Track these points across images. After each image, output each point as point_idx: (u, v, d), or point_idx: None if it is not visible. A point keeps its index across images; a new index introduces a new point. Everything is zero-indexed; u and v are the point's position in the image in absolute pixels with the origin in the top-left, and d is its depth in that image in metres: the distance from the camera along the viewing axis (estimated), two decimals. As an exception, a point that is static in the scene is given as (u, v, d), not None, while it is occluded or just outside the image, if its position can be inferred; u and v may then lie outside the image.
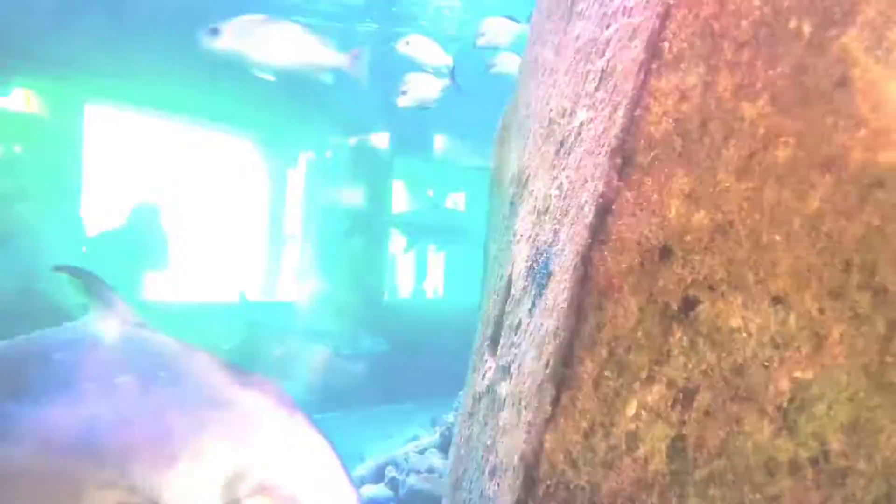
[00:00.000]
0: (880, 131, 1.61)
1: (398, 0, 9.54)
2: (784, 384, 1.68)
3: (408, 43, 6.83)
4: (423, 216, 12.03)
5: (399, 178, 13.23)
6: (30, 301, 7.63)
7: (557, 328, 1.81)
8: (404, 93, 6.77)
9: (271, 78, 5.17)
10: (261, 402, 1.31)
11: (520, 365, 2.14)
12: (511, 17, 6.57)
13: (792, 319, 1.67)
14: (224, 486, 1.21)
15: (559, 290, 1.88)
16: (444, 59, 6.87)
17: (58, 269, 1.65)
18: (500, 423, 2.23)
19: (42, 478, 1.28)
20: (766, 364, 1.69)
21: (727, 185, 1.68)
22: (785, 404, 1.67)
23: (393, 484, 5.49)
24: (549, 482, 1.78)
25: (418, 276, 15.01)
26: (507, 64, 6.73)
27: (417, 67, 6.79)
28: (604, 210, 1.73)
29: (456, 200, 15.23)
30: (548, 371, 1.82)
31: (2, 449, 1.31)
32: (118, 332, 1.45)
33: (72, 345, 1.45)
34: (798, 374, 1.67)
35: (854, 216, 1.64)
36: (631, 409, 1.75)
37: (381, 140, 10.50)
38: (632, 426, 1.74)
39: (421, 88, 6.75)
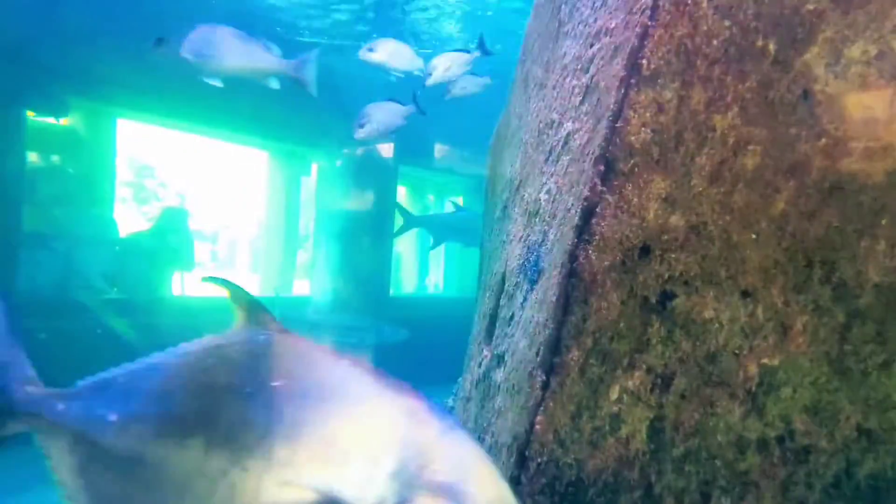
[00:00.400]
0: (839, 140, 1.61)
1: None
2: (753, 370, 1.67)
3: (370, 49, 5.94)
4: (446, 218, 12.10)
5: (402, 184, 13.24)
6: (66, 295, 7.64)
7: (547, 320, 1.81)
8: (362, 126, 6.03)
9: (219, 84, 4.89)
10: (416, 405, 1.25)
11: (513, 353, 2.13)
12: (461, 50, 6.04)
13: (760, 311, 1.67)
14: (395, 485, 1.17)
15: (548, 286, 1.88)
16: (416, 63, 6.04)
17: (205, 280, 1.59)
18: (496, 407, 2.23)
19: (217, 477, 1.24)
20: (737, 352, 1.68)
21: (700, 189, 1.68)
22: (754, 388, 1.67)
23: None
24: (539, 460, 1.78)
25: (420, 273, 15.00)
26: (469, 86, 6.23)
27: (384, 73, 6.03)
28: (588, 212, 1.73)
29: (455, 204, 15.23)
30: (538, 359, 1.82)
31: (178, 449, 1.28)
32: (268, 338, 1.40)
33: (227, 351, 1.40)
34: (765, 360, 1.67)
35: (816, 218, 1.63)
36: (614, 394, 1.74)
37: (386, 149, 10.48)
38: (615, 409, 1.74)
39: (381, 119, 6.00)
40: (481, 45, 5.97)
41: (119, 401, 1.41)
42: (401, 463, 1.18)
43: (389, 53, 5.85)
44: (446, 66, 5.90)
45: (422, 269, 15.05)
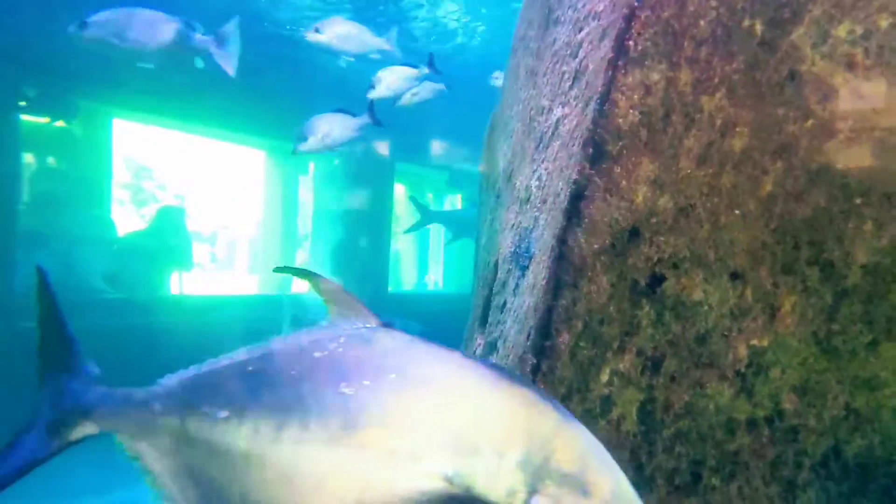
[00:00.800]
0: (826, 121, 1.61)
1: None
2: (742, 351, 1.68)
3: (317, 30, 5.23)
4: (464, 213, 12.14)
5: (400, 182, 13.26)
6: (66, 295, 7.64)
7: (537, 304, 1.81)
8: (304, 139, 5.51)
9: (150, 66, 4.77)
10: (532, 396, 1.22)
11: (505, 340, 2.14)
12: (410, 64, 5.82)
13: (748, 293, 1.68)
14: (523, 475, 1.15)
15: (538, 270, 1.88)
16: (371, 45, 5.46)
17: (280, 270, 1.50)
18: (488, 394, 2.23)
19: (347, 472, 1.21)
20: (726, 333, 1.69)
21: (688, 171, 1.68)
22: (743, 369, 1.68)
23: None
24: (530, 443, 1.78)
25: (420, 271, 15.02)
26: (422, 93, 6.02)
27: (334, 55, 5.45)
28: (577, 196, 1.74)
29: (453, 202, 15.26)
30: (528, 343, 1.82)
31: (303, 446, 1.24)
32: (372, 331, 1.35)
33: (333, 345, 1.33)
34: (754, 341, 1.68)
35: (803, 199, 1.64)
36: (604, 376, 1.75)
37: (383, 147, 10.49)
38: (605, 391, 1.74)
39: (326, 132, 5.40)
40: (431, 64, 5.82)
41: (225, 398, 1.34)
42: (526, 453, 1.16)
43: (338, 35, 5.30)
44: (391, 80, 5.60)
45: (421, 267, 15.07)
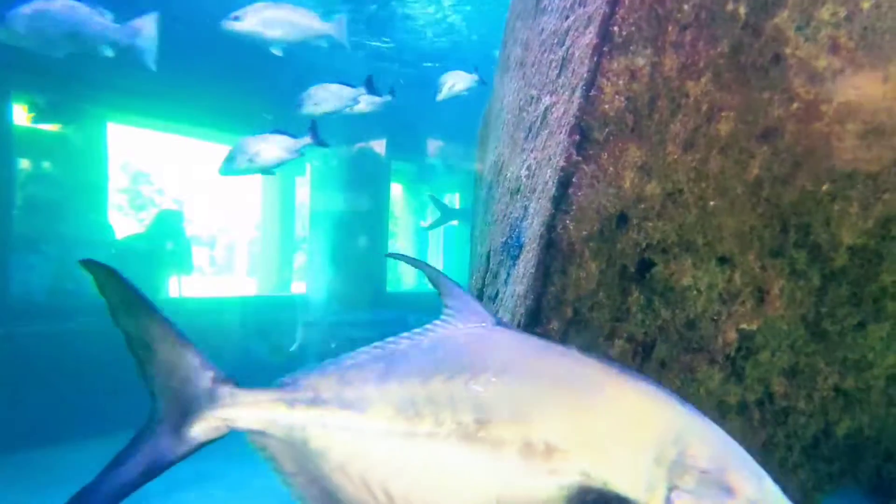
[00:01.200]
0: (811, 104, 1.62)
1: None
2: (731, 335, 1.69)
3: (236, 19, 4.73)
4: None
5: (397, 181, 13.27)
6: (60, 299, 7.65)
7: (526, 292, 1.82)
8: (231, 161, 5.15)
9: (59, 55, 4.58)
10: (657, 392, 1.21)
11: (497, 330, 2.15)
12: (344, 83, 5.75)
13: (737, 277, 1.68)
14: (660, 471, 1.13)
15: (528, 259, 1.89)
16: (310, 30, 4.98)
17: (391, 256, 1.47)
18: (482, 385, 2.24)
19: (488, 471, 1.20)
20: (715, 318, 1.70)
21: (675, 156, 1.69)
22: (733, 353, 1.68)
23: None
24: (522, 431, 1.79)
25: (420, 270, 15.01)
26: (362, 106, 5.95)
27: (263, 45, 4.96)
28: (565, 183, 1.74)
29: (451, 200, 15.26)
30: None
31: (444, 445, 1.23)
32: (490, 329, 1.34)
33: (452, 343, 1.33)
34: (744, 325, 1.68)
35: (790, 182, 1.65)
36: (595, 363, 1.76)
37: (378, 147, 10.51)
38: (596, 378, 1.75)
39: (257, 152, 5.03)
40: (368, 84, 5.79)
41: (358, 396, 1.32)
42: (660, 448, 1.15)
43: (263, 21, 4.74)
44: (323, 97, 5.38)
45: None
